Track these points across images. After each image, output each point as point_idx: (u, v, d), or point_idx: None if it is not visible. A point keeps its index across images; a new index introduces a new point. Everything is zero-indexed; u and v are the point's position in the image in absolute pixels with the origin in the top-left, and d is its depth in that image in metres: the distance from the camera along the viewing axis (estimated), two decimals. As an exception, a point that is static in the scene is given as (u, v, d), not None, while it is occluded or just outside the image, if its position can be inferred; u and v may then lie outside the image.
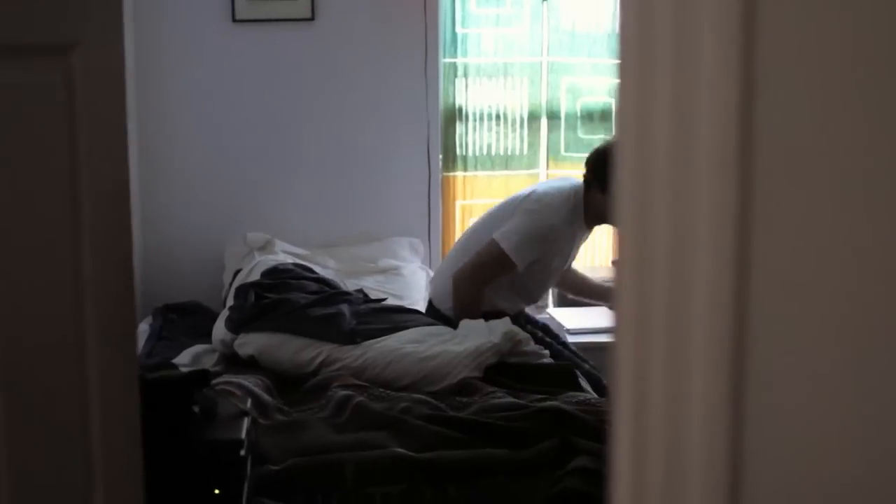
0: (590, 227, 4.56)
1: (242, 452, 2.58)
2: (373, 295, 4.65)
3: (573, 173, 5.19)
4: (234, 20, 5.12)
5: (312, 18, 5.13)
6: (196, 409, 2.51)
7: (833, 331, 0.89)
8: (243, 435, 2.60)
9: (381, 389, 3.78)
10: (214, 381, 3.29)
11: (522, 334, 4.25)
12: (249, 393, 3.60)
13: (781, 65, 0.90)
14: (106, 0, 1.87)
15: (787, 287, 0.92)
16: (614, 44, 5.35)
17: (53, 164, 1.78)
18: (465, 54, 5.31)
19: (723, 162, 0.92)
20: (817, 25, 0.88)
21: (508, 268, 4.40)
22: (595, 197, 4.34)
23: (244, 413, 2.74)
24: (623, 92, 1.00)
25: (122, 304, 1.91)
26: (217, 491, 2.50)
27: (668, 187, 0.96)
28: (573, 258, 4.74)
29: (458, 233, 5.44)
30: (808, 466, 0.92)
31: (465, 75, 5.33)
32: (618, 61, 1.02)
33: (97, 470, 1.84)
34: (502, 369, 4.02)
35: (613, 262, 5.65)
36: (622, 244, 1.02)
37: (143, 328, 4.62)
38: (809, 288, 0.90)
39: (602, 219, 4.40)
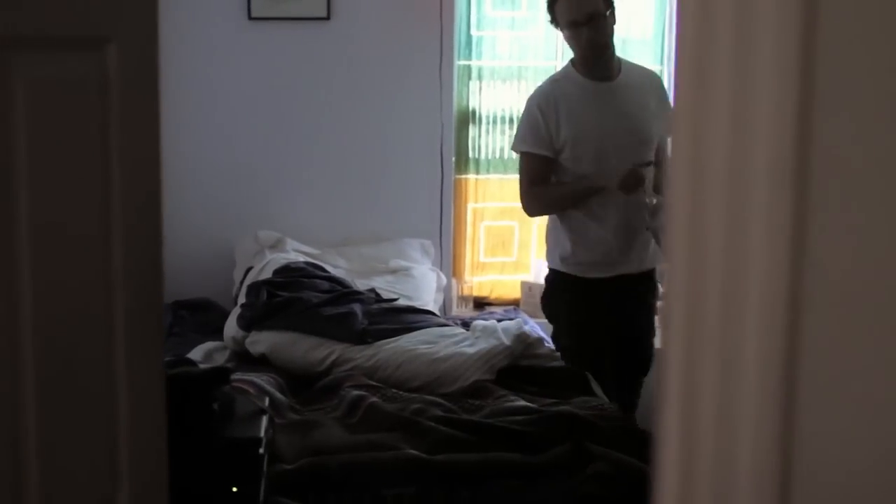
0: (591, 68, 4.20)
1: (261, 450, 2.58)
2: (384, 295, 4.65)
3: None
4: (250, 18, 5.12)
5: (328, 18, 5.14)
6: (215, 406, 2.51)
7: (888, 348, 0.89)
8: (262, 433, 2.60)
9: (393, 390, 3.79)
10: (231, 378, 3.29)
11: (534, 336, 4.26)
12: (263, 391, 3.60)
13: (839, 78, 0.91)
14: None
15: (841, 304, 0.92)
16: (628, 50, 5.37)
17: (85, 159, 1.78)
18: (479, 57, 5.32)
19: (779, 176, 0.93)
20: (875, 43, 0.88)
21: (529, 162, 4.23)
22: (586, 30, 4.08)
23: (262, 411, 2.74)
24: (680, 106, 1.00)
25: (150, 302, 1.91)
26: (235, 489, 2.51)
27: (723, 202, 0.96)
28: (631, 132, 4.22)
29: (470, 235, 5.45)
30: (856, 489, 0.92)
31: (480, 78, 5.34)
32: (675, 74, 1.02)
33: (123, 464, 1.84)
34: (514, 372, 4.02)
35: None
36: (673, 258, 1.02)
37: (154, 324, 4.62)
38: (865, 305, 0.90)
39: (598, 48, 4.13)
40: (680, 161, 1.00)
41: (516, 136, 4.33)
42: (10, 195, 1.60)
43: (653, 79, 4.43)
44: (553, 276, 4.33)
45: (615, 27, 4.17)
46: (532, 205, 4.30)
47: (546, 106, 4.15)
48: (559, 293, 4.27)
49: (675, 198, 1.00)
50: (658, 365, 0.95)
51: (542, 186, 4.20)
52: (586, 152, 4.13)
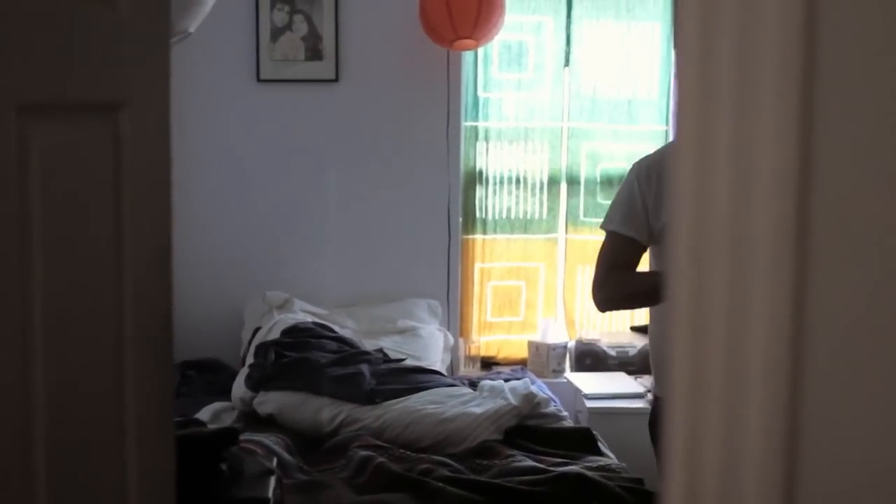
0: None
1: (269, 511, 2.59)
2: (391, 355, 4.66)
3: (592, 239, 5.22)
4: (259, 80, 5.18)
5: (336, 80, 5.19)
6: (224, 466, 2.52)
7: (888, 408, 0.91)
8: (270, 494, 2.61)
9: (401, 450, 3.79)
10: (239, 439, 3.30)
11: (541, 396, 4.26)
12: (271, 452, 3.61)
13: (837, 141, 0.93)
14: (154, 61, 1.90)
15: (843, 363, 0.93)
16: (634, 111, 5.42)
17: (98, 220, 1.81)
18: (486, 118, 5.36)
19: (780, 237, 0.95)
20: (872, 106, 0.91)
21: (612, 243, 3.33)
22: None
23: (270, 472, 2.75)
24: (680, 167, 1.02)
25: (160, 361, 1.93)
26: (243, 549, 2.51)
27: (726, 263, 0.98)
28: None
29: (477, 295, 5.46)
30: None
31: (487, 139, 5.38)
32: (675, 135, 1.04)
33: (133, 525, 1.85)
34: (522, 431, 4.02)
35: (632, 328, 5.66)
36: (676, 319, 1.04)
37: (163, 384, 4.63)
38: (866, 364, 0.92)
39: None
40: (681, 222, 1.02)
41: (608, 211, 3.43)
42: (24, 256, 1.63)
43: None
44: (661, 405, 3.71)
45: None
46: (605, 294, 3.31)
47: (647, 180, 3.27)
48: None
49: (678, 259, 1.02)
50: (664, 421, 0.96)
51: (625, 273, 3.28)
52: None
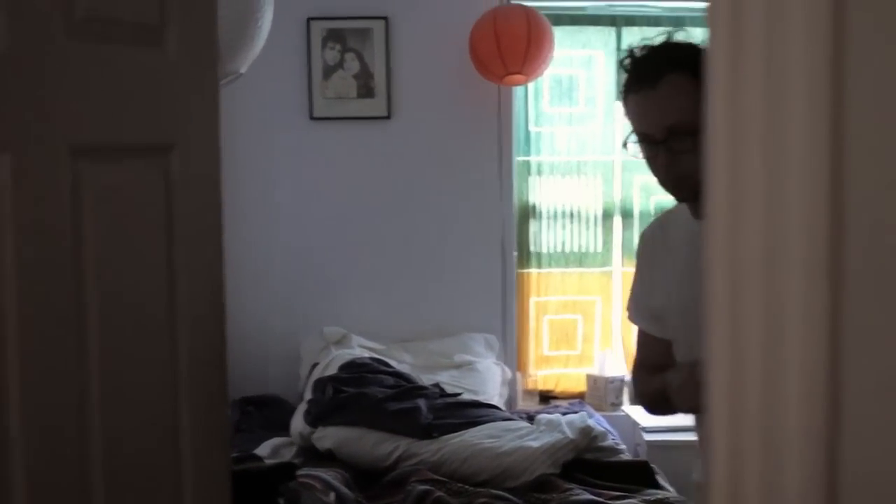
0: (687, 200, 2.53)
1: (325, 545, 2.60)
2: (448, 390, 4.67)
3: (647, 269, 5.19)
4: (312, 118, 5.23)
5: (388, 117, 5.23)
6: (281, 501, 2.54)
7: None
8: (326, 528, 2.63)
9: (459, 484, 3.79)
10: (296, 474, 3.32)
11: (598, 429, 4.26)
12: (329, 486, 3.63)
13: (868, 173, 0.94)
14: (203, 103, 1.94)
15: (880, 396, 0.94)
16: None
17: (150, 261, 1.84)
18: (538, 152, 5.38)
19: (815, 271, 0.95)
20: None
21: (638, 336, 2.89)
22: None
23: (326, 506, 2.77)
24: (714, 200, 1.03)
25: (216, 398, 1.96)
26: (300, 584, 2.53)
27: (761, 293, 0.99)
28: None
29: (533, 329, 5.47)
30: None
31: (539, 173, 5.40)
32: (708, 163, 1.05)
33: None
34: (580, 465, 4.02)
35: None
36: (713, 353, 1.05)
37: (222, 422, 4.67)
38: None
39: (680, 181, 2.40)
40: (717, 254, 1.03)
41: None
42: (79, 297, 1.67)
43: None
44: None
45: None
46: (636, 393, 2.85)
47: (643, 256, 2.79)
48: None
49: (714, 291, 1.04)
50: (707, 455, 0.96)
51: (645, 373, 2.77)
52: (678, 332, 2.63)
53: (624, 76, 2.45)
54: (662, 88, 2.36)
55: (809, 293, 0.95)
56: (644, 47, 2.46)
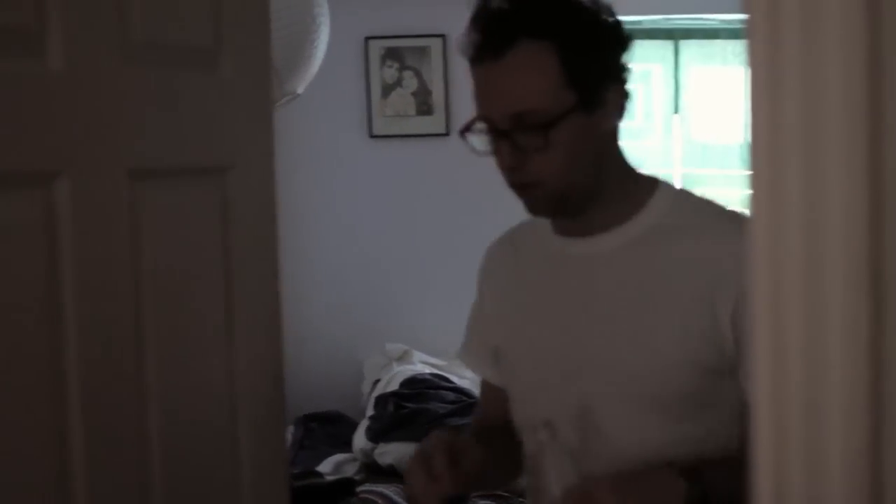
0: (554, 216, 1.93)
1: (386, 561, 2.62)
2: (509, 405, 4.67)
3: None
4: (371, 136, 5.26)
5: (447, 133, 5.25)
6: (341, 517, 2.56)
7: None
8: (386, 543, 2.64)
9: (520, 499, 3.80)
10: (357, 490, 3.35)
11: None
12: (391, 502, 3.64)
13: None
14: (258, 124, 1.97)
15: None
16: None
17: (208, 282, 1.87)
18: (593, 166, 5.37)
19: (854, 282, 0.96)
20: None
21: (483, 391, 2.20)
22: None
23: (386, 522, 2.78)
24: (756, 209, 1.04)
25: (273, 415, 1.98)
26: None
27: (801, 304, 0.99)
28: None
29: (594, 342, 5.44)
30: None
31: (594, 187, 5.39)
32: (749, 175, 1.06)
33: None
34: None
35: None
36: (759, 372, 1.05)
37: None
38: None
39: (525, 186, 1.81)
40: (760, 265, 1.04)
41: None
42: (138, 318, 1.69)
43: (712, 251, 1.77)
44: None
45: (606, 135, 1.83)
46: None
47: (486, 280, 2.17)
48: None
49: (757, 306, 1.04)
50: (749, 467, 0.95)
51: (485, 437, 1.95)
52: (521, 383, 1.97)
53: (473, 36, 1.76)
54: (510, 60, 1.69)
55: (849, 298, 0.95)
56: None
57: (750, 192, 1.06)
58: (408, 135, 5.27)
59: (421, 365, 5.01)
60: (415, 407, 4.38)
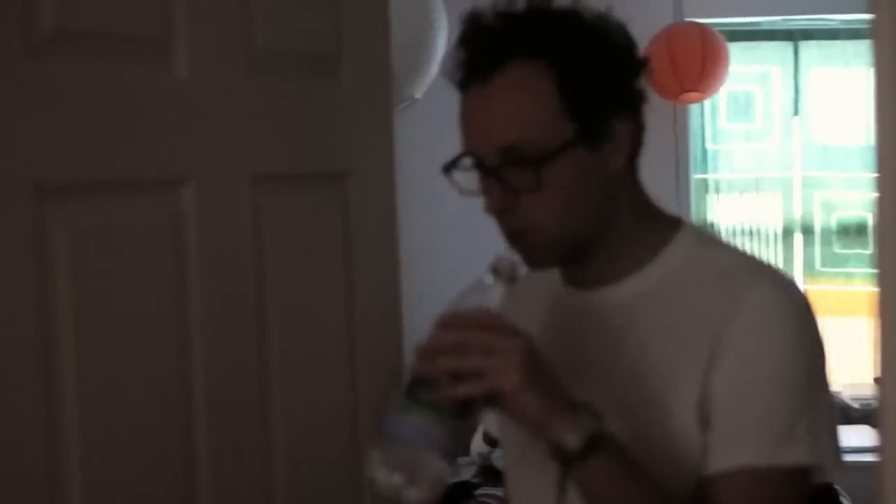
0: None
1: (503, 564, 2.62)
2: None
3: (830, 289, 5.10)
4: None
5: (565, 138, 5.24)
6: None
7: None
8: (504, 547, 2.64)
9: None
10: (475, 493, 3.35)
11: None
12: (507, 506, 3.65)
13: None
14: (378, 129, 2.00)
15: None
16: (869, 157, 5.26)
17: (329, 287, 1.89)
18: (716, 170, 5.33)
19: None
20: None
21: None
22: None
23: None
24: (881, 209, 1.02)
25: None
26: None
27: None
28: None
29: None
30: None
31: (717, 191, 5.34)
32: (874, 176, 1.04)
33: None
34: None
35: (876, 380, 5.46)
36: (886, 357, 1.04)
37: (402, 441, 4.74)
38: None
39: (516, 233, 1.57)
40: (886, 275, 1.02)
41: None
42: (261, 322, 1.73)
43: (725, 305, 1.49)
44: None
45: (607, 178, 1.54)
46: None
47: None
48: None
49: (883, 310, 1.03)
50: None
51: None
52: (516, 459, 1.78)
53: (460, 56, 1.53)
54: (498, 82, 1.44)
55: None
56: (499, 12, 1.49)
57: (875, 194, 1.04)
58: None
59: (537, 370, 5.00)
60: (531, 411, 4.38)
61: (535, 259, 1.53)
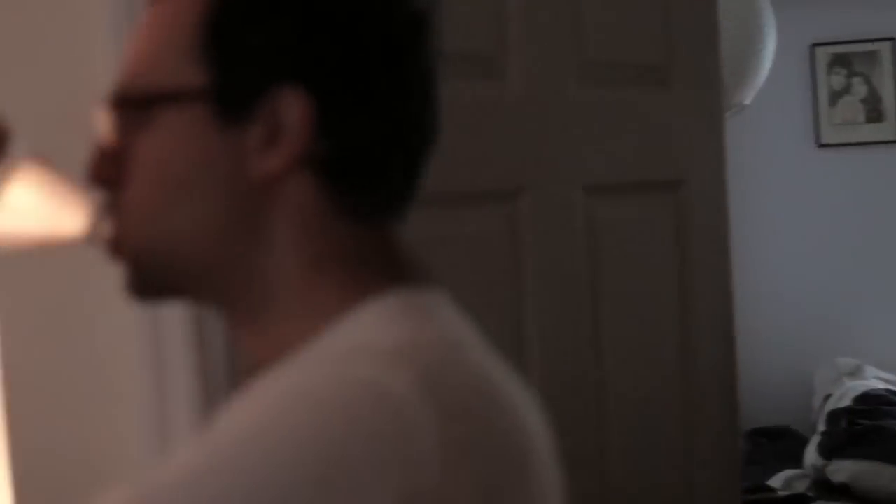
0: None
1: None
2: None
3: None
4: (819, 145, 5.14)
5: (900, 141, 5.07)
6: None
7: None
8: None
9: None
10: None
11: None
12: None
13: None
14: (710, 137, 1.99)
15: None
16: None
17: (661, 294, 1.90)
18: None
19: None
20: None
21: None
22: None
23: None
24: None
25: (727, 430, 1.99)
26: None
27: None
28: None
29: None
30: None
31: None
32: None
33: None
34: None
35: None
36: None
37: (733, 452, 4.68)
38: None
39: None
40: None
41: None
42: (594, 324, 1.76)
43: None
44: None
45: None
46: None
47: None
48: None
49: None
50: None
51: None
52: None
53: None
54: (152, 10, 0.97)
55: None
56: None
57: None
58: (857, 143, 5.12)
59: (874, 380, 4.83)
60: (870, 424, 4.23)
61: (118, 258, 0.96)
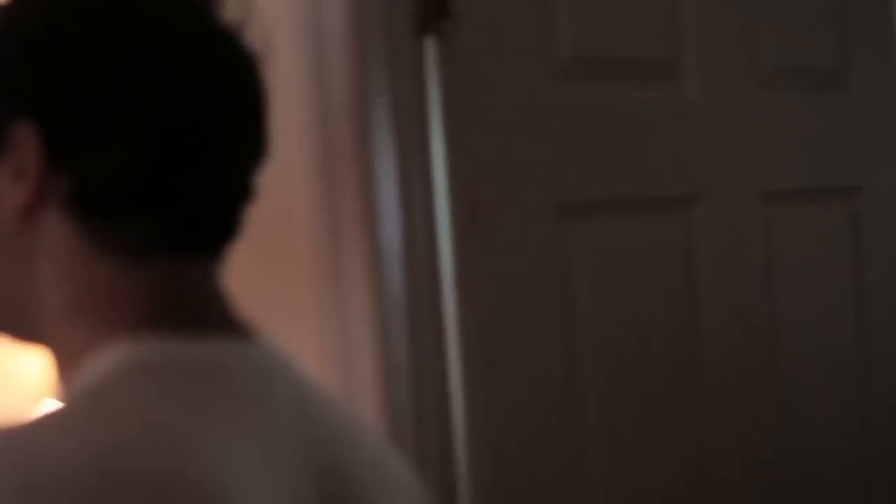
0: None
1: None
2: None
3: None
4: None
5: None
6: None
7: None
8: None
9: None
10: None
11: None
12: None
13: None
14: (888, 144, 1.96)
15: None
16: None
17: (840, 296, 1.88)
18: None
19: None
20: None
21: None
22: None
23: None
24: None
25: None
26: None
27: None
28: None
29: None
30: None
31: None
32: None
33: None
34: None
35: None
36: None
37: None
38: None
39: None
40: None
41: None
42: (770, 331, 1.74)
43: None
44: None
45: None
46: None
47: None
48: None
49: None
50: None
51: None
52: None
53: None
54: None
55: None
56: None
57: None
58: None
59: None
60: None
61: None
